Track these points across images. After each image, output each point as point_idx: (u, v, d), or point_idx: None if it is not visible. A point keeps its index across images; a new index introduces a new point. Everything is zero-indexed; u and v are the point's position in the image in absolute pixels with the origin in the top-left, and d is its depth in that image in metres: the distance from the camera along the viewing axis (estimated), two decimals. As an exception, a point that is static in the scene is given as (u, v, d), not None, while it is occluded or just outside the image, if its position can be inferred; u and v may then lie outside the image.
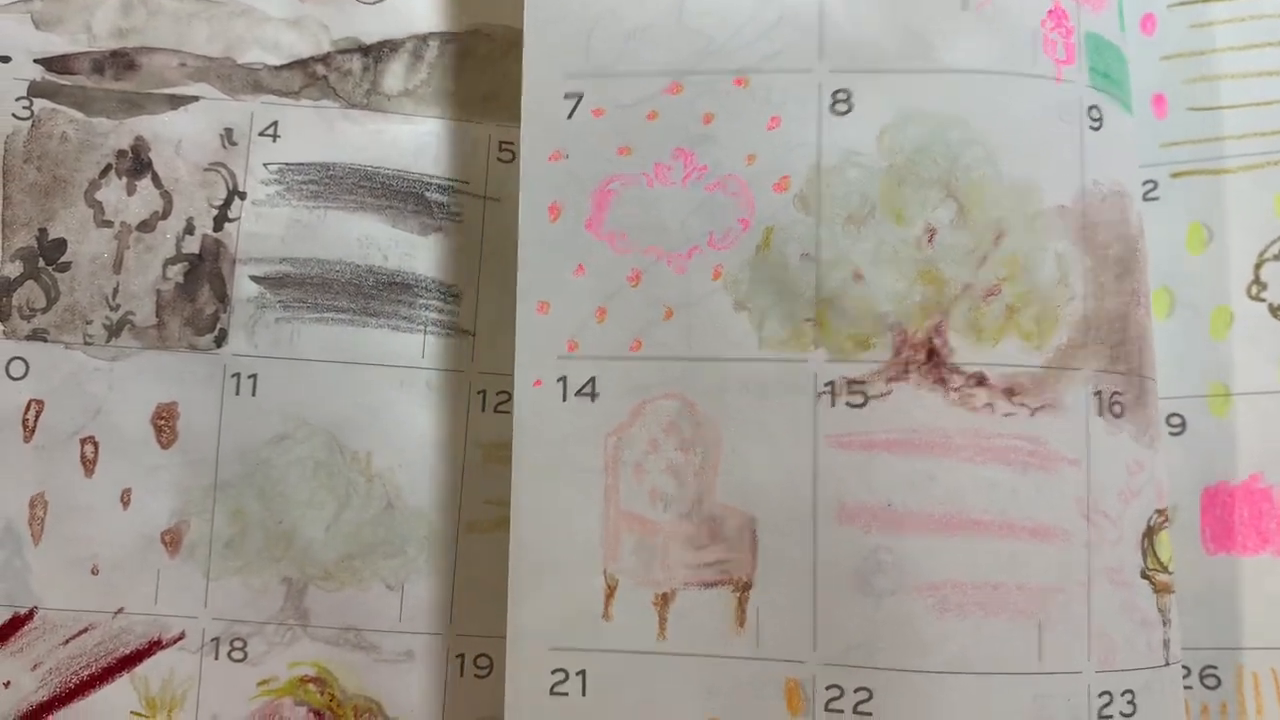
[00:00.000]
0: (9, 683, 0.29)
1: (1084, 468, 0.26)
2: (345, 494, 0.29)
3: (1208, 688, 0.29)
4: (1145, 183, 0.30)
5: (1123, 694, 0.25)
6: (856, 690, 0.25)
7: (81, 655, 0.29)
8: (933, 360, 0.26)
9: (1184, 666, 0.29)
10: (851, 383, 0.26)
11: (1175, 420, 0.30)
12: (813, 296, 0.26)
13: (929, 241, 0.26)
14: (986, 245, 0.26)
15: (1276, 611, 0.29)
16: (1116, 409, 0.26)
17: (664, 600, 0.27)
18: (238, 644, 0.29)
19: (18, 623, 0.29)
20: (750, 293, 0.27)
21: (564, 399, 0.27)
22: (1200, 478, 0.30)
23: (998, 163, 0.26)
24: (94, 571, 0.29)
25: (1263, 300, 0.30)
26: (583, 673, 0.27)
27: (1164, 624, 0.26)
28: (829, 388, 0.26)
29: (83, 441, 0.30)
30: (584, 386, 0.27)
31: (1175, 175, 0.31)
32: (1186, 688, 0.29)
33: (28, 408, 0.30)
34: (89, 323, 0.30)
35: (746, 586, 0.26)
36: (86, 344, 0.30)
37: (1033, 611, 0.25)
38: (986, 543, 0.25)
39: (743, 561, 0.26)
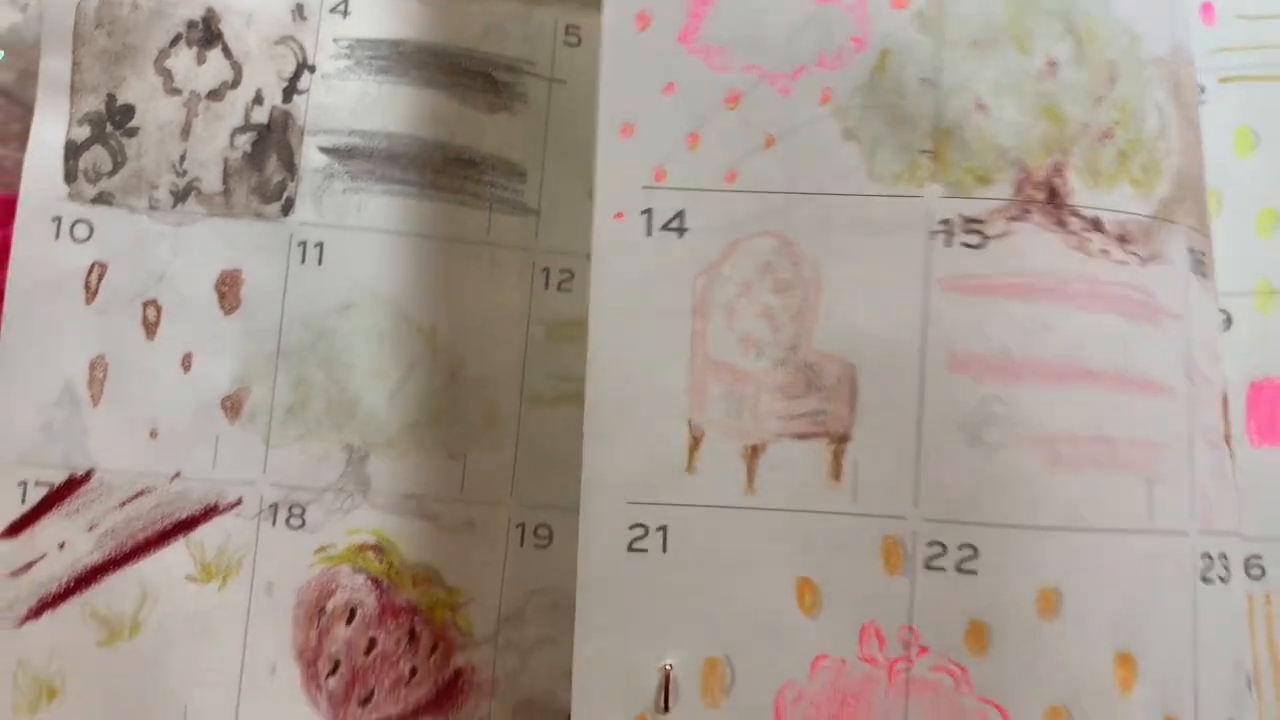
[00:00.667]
0: (64, 544, 0.28)
1: (1186, 324, 0.25)
2: (410, 364, 0.29)
3: (1252, 578, 0.29)
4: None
5: (1220, 557, 0.25)
6: (960, 547, 0.24)
7: (138, 518, 0.28)
8: (1054, 200, 0.24)
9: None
10: (969, 221, 0.24)
11: (1222, 316, 0.30)
12: (930, 126, 0.24)
13: (1050, 75, 0.24)
14: (1101, 86, 0.24)
15: None
16: (1204, 268, 0.25)
17: (753, 453, 0.25)
18: (296, 511, 0.28)
19: (74, 484, 0.28)
20: (861, 120, 0.24)
21: (649, 234, 0.25)
22: (1246, 373, 0.30)
23: (1109, 4, 0.25)
24: (153, 435, 0.29)
25: None
26: (664, 528, 0.25)
27: (1237, 490, 0.26)
28: (945, 226, 0.24)
29: (145, 305, 0.29)
30: (671, 220, 0.25)
31: (1223, 80, 0.30)
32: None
33: (91, 270, 0.29)
34: (155, 188, 0.29)
35: (843, 439, 0.24)
36: (152, 209, 0.29)
37: (1143, 468, 0.24)
38: (1101, 394, 0.24)
39: (840, 412, 0.24)
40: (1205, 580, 0.25)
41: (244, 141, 0.29)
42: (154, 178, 0.29)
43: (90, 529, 0.28)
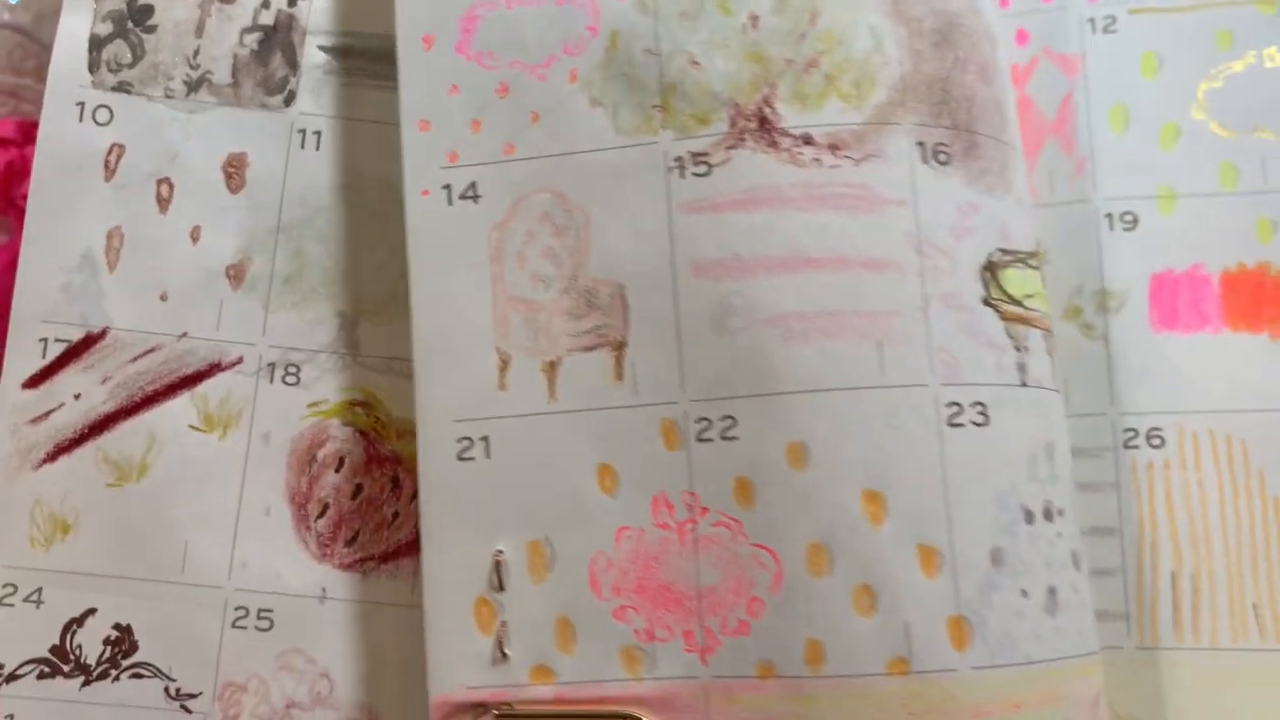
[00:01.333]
0: (80, 395, 0.32)
1: (912, 207, 0.29)
2: (398, 240, 0.31)
3: (1153, 447, 0.32)
4: (1105, 17, 0.34)
5: (973, 405, 0.28)
6: (722, 419, 0.28)
7: (148, 372, 0.32)
8: (764, 127, 0.29)
9: (1131, 429, 0.32)
10: (696, 156, 0.29)
11: (1129, 217, 0.34)
12: (657, 86, 0.30)
13: (754, 27, 0.29)
14: (804, 25, 0.29)
15: (1212, 381, 0.33)
16: (942, 157, 0.29)
17: (551, 367, 0.30)
18: (292, 369, 0.32)
19: (91, 340, 0.32)
20: (603, 90, 0.30)
21: (450, 204, 0.30)
22: (1149, 266, 0.33)
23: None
24: (163, 298, 0.32)
25: (1204, 117, 0.34)
26: (485, 438, 0.30)
27: (1018, 350, 0.29)
28: (678, 163, 0.29)
29: (159, 182, 0.32)
30: (466, 190, 0.30)
31: (1133, 12, 0.35)
32: (1134, 447, 0.32)
33: (110, 150, 0.32)
34: (170, 79, 0.33)
35: (621, 345, 0.29)
36: (167, 97, 0.33)
37: (871, 333, 0.28)
38: (823, 277, 0.28)
39: (617, 325, 0.29)
40: (954, 425, 0.28)
41: (252, 40, 0.33)
42: (169, 70, 0.33)
43: (104, 381, 0.32)
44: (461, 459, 0.30)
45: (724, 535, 0.28)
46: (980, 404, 0.28)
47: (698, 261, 0.29)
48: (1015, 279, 0.30)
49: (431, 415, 0.30)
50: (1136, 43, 0.34)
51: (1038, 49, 0.35)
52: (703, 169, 0.29)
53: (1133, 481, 0.32)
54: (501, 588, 0.29)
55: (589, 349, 0.29)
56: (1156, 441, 0.33)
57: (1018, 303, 0.30)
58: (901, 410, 0.28)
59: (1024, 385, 0.29)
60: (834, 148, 0.29)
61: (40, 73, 0.34)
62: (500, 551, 0.29)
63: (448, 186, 0.30)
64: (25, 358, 0.32)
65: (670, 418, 0.29)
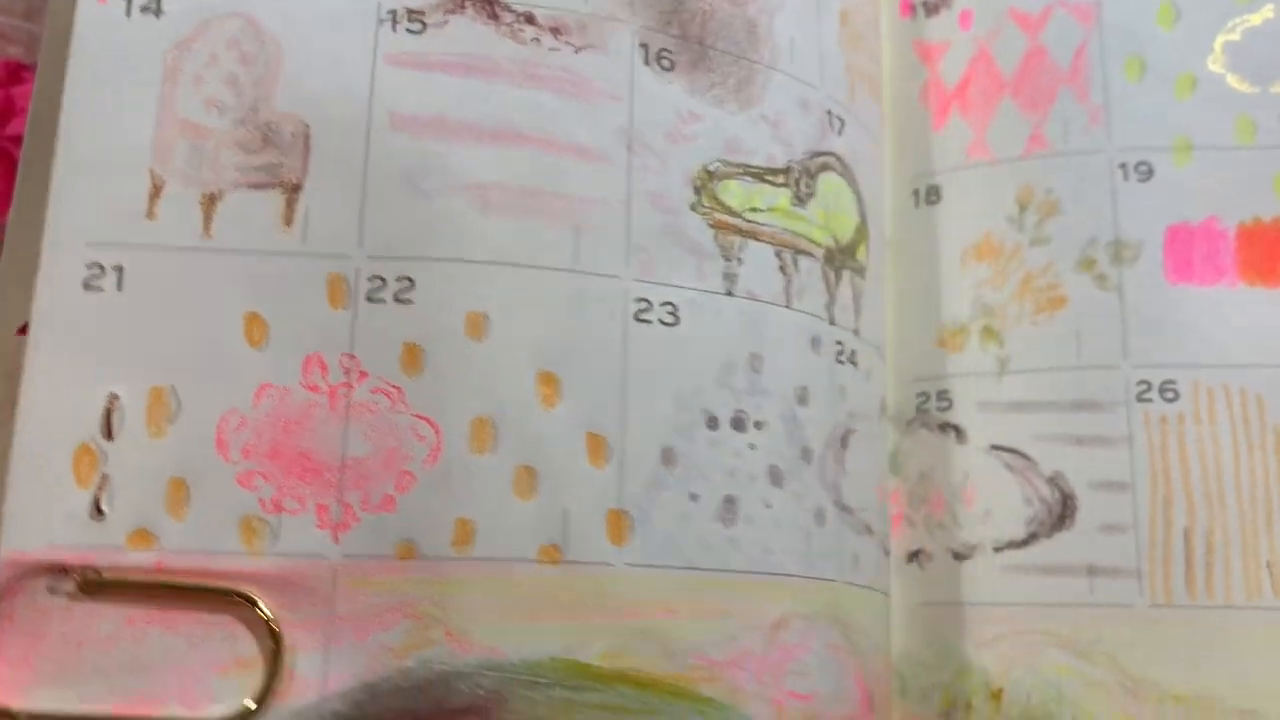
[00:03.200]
0: None
1: (628, 105, 0.28)
2: None
3: (1167, 400, 0.32)
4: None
5: (663, 304, 0.27)
6: (399, 280, 0.26)
7: None
8: (487, -2, 0.28)
9: (1145, 381, 0.32)
10: (411, 12, 0.27)
11: (1143, 167, 0.33)
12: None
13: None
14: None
15: (1227, 334, 0.32)
16: (665, 63, 0.29)
17: (211, 200, 0.26)
18: None
19: None
20: (322, -73, 0.28)
21: (128, 15, 0.27)
22: (1164, 218, 0.33)
23: None
24: None
25: (1221, 70, 0.33)
26: (120, 268, 0.25)
27: (728, 260, 0.28)
28: (390, 15, 0.27)
29: None
30: (149, 4, 0.27)
31: None
32: (1147, 400, 0.32)
33: None
34: None
35: (296, 188, 0.26)
36: None
37: (570, 217, 0.27)
38: (529, 153, 0.27)
39: (294, 165, 0.26)
40: (641, 320, 0.27)
41: None
42: None
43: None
44: (88, 288, 0.25)
45: (382, 403, 0.25)
46: (671, 304, 0.27)
47: (398, 114, 0.26)
48: (737, 191, 0.29)
49: (60, 235, 0.25)
50: None
51: (1051, -1, 0.35)
52: (417, 26, 0.27)
53: (1145, 436, 0.32)
54: (110, 436, 0.25)
55: (258, 186, 0.26)
56: (1170, 395, 0.32)
57: (735, 214, 0.29)
58: (588, 297, 0.26)
59: (729, 295, 0.28)
60: (556, 31, 0.28)
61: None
62: (116, 395, 0.25)
63: (128, -4, 0.27)
64: None
65: (340, 272, 0.26)
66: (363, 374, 0.25)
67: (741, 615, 0.26)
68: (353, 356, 0.25)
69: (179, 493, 0.24)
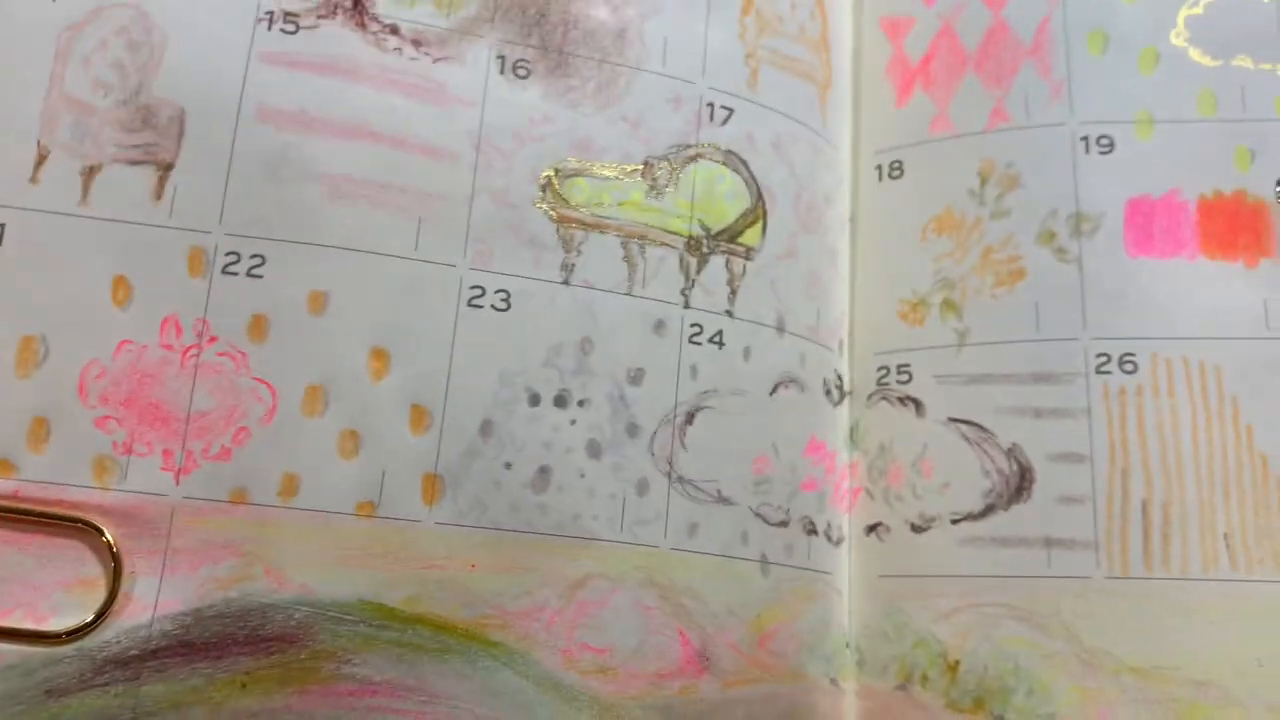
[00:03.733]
0: None
1: (478, 109, 0.31)
2: None
3: (1126, 372, 0.32)
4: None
5: (497, 291, 0.30)
6: (252, 256, 0.29)
7: None
8: (357, 8, 0.31)
9: (1104, 354, 0.32)
10: (287, 14, 0.30)
11: (1105, 140, 0.33)
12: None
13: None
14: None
15: (1187, 307, 0.32)
16: (521, 72, 0.32)
17: (90, 172, 0.29)
18: None
19: None
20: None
21: (23, -2, 0.30)
22: (1125, 191, 0.33)
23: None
24: None
25: (1184, 44, 0.34)
26: (3, 226, 0.28)
27: (567, 251, 0.31)
28: (268, 15, 0.30)
29: None
30: (43, -8, 0.30)
31: None
32: (1106, 372, 0.32)
33: None
34: None
35: (168, 167, 0.29)
36: None
37: (414, 209, 0.30)
38: (380, 150, 0.30)
39: (168, 146, 0.29)
40: (473, 305, 0.30)
41: None
42: None
43: None
44: (-31, 244, 0.28)
45: (227, 365, 0.28)
46: (505, 292, 0.30)
47: (265, 107, 0.29)
48: (585, 187, 0.32)
49: (-53, 192, 0.28)
50: None
51: (1014, -27, 0.35)
52: (291, 27, 0.30)
53: (1104, 408, 0.32)
54: (-24, 374, 0.28)
55: (134, 163, 0.29)
56: (1129, 367, 0.32)
57: (580, 209, 0.31)
58: (425, 283, 0.30)
59: (565, 284, 0.31)
60: (417, 43, 0.31)
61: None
62: (-13, 339, 0.28)
63: (27, -20, 0.30)
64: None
65: (200, 246, 0.29)
66: (213, 338, 0.28)
67: (542, 573, 0.29)
68: (205, 322, 0.28)
69: (40, 430, 0.27)
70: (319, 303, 0.29)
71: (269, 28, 0.30)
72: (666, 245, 0.32)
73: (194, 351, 0.28)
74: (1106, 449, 0.32)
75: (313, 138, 0.30)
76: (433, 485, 0.29)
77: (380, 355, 0.29)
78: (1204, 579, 0.31)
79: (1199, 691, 0.30)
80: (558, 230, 0.31)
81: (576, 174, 0.32)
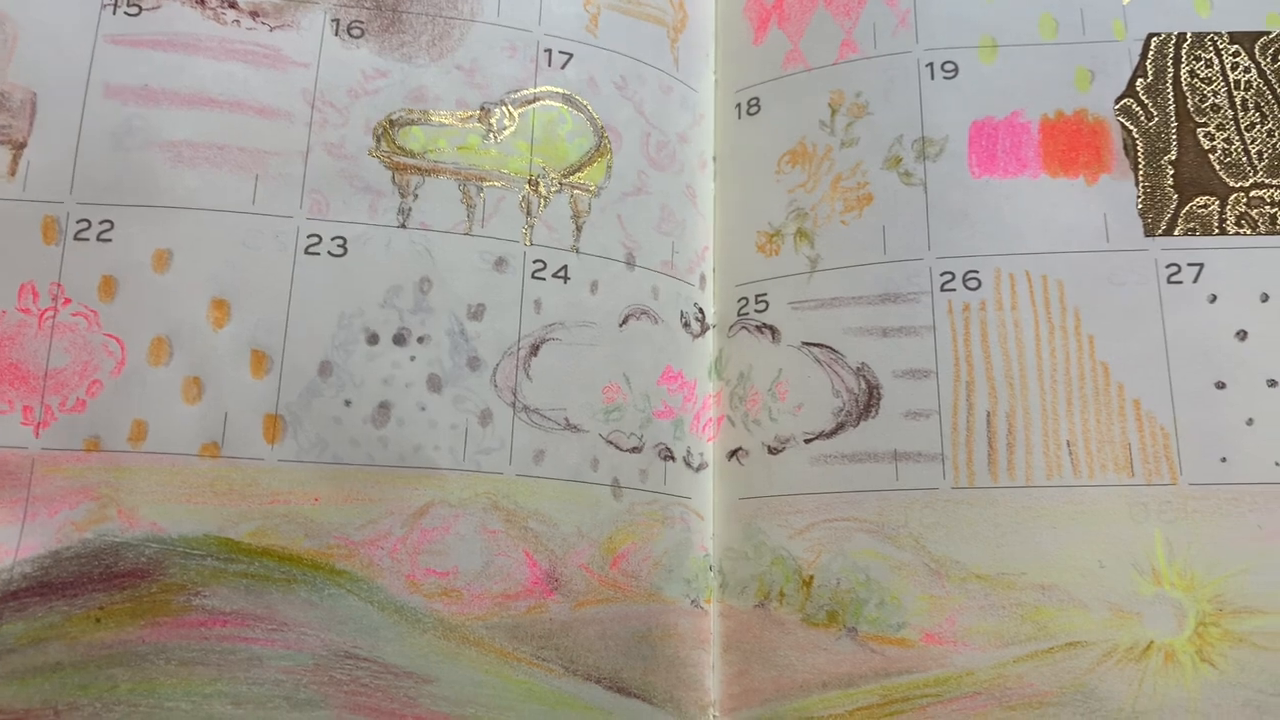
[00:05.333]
0: None
1: (313, 70, 0.32)
2: None
3: (969, 289, 0.33)
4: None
5: (334, 238, 0.31)
6: (101, 222, 0.31)
7: None
8: (196, -14, 0.33)
9: (949, 272, 0.33)
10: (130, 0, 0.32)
11: (949, 66, 0.34)
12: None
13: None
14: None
15: (1029, 224, 0.33)
16: (355, 32, 0.33)
17: (-48, 157, 0.31)
18: None
19: None
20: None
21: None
22: (969, 114, 0.34)
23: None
24: None
25: None
26: None
27: (403, 196, 0.32)
28: (113, 1, 0.32)
29: None
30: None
31: None
32: (950, 290, 0.33)
33: None
34: None
35: (22, 145, 0.31)
36: None
37: (251, 167, 0.31)
38: (219, 116, 0.31)
39: (21, 127, 0.31)
40: (310, 253, 0.31)
41: None
42: None
43: None
44: None
45: (81, 324, 0.30)
46: (341, 238, 0.32)
47: (110, 84, 0.31)
48: (418, 135, 0.33)
49: None
50: None
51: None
52: (134, 10, 0.32)
53: (949, 323, 0.32)
54: None
55: (-8, 146, 0.31)
56: (973, 284, 0.33)
57: (415, 155, 0.32)
58: (263, 235, 0.31)
59: (402, 227, 0.32)
60: (254, 14, 0.32)
61: None
62: None
63: (-113, -17, 0.32)
64: None
65: (53, 215, 0.31)
66: (67, 300, 0.30)
67: (385, 503, 0.30)
68: (59, 285, 0.30)
69: (-90, 396, 0.30)
70: (163, 260, 0.30)
71: (114, 12, 0.32)
72: (505, 186, 0.33)
73: (50, 314, 0.30)
74: (951, 364, 0.32)
75: (156, 109, 0.31)
76: (274, 425, 0.30)
77: (220, 305, 0.30)
78: (1047, 486, 0.31)
79: (1044, 595, 0.31)
80: (393, 177, 0.32)
81: (411, 123, 0.33)
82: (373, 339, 0.31)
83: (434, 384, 0.31)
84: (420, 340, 0.31)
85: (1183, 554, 0.30)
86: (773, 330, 0.34)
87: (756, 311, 0.35)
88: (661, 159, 0.35)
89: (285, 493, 0.30)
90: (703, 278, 0.36)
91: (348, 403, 0.31)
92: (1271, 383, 0.31)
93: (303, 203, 0.32)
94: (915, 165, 0.34)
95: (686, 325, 0.35)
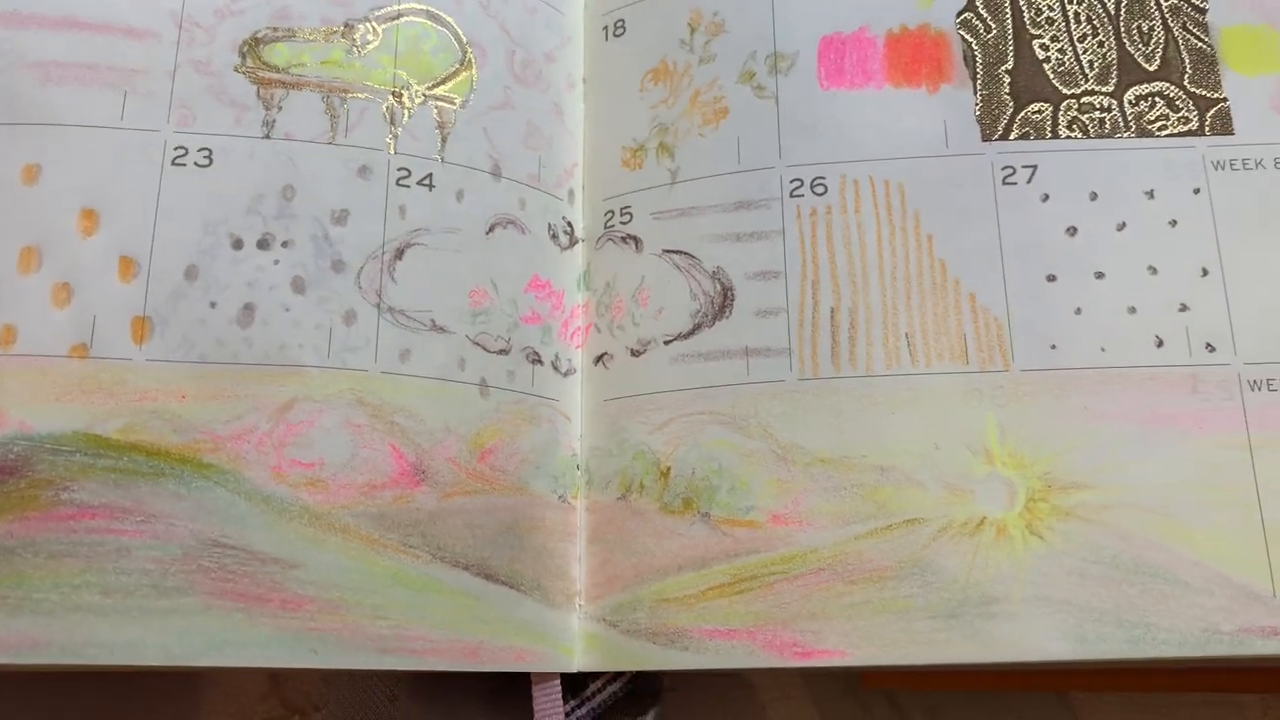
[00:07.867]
0: None
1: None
2: None
3: (817, 194, 0.34)
4: None
5: (200, 150, 0.32)
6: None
7: None
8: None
9: (797, 179, 0.34)
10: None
11: None
12: None
13: None
14: None
15: (874, 132, 0.35)
16: None
17: None
18: None
19: None
20: None
21: None
22: (819, 29, 0.36)
23: None
24: None
25: None
26: None
27: (268, 109, 0.33)
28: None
29: None
30: None
31: None
32: (799, 196, 0.34)
33: None
34: None
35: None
36: None
37: (119, 84, 0.32)
38: (87, 37, 0.32)
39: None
40: (177, 164, 0.32)
41: None
42: None
43: None
44: None
45: (-45, 243, 0.31)
46: (207, 149, 0.32)
47: (-18, 9, 0.32)
48: (283, 51, 0.34)
49: None
50: None
51: None
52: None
53: (797, 227, 0.34)
54: None
55: None
56: (820, 189, 0.34)
57: (280, 70, 0.33)
58: (130, 148, 0.32)
59: (267, 138, 0.33)
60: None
61: None
62: None
63: None
64: None
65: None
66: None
67: (250, 399, 0.31)
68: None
69: None
70: (31, 174, 0.31)
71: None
72: (369, 98, 0.34)
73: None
74: (799, 264, 0.34)
75: (24, 31, 0.32)
76: (141, 326, 0.31)
77: (90, 215, 0.31)
78: (886, 375, 0.33)
79: (883, 475, 0.32)
80: (258, 91, 0.33)
81: (276, 40, 0.34)
82: (237, 244, 0.32)
83: (298, 286, 0.32)
84: (284, 245, 0.32)
85: (1014, 435, 0.32)
86: (636, 240, 0.36)
87: (621, 223, 0.36)
88: (528, 76, 0.36)
89: (153, 390, 0.30)
90: (571, 193, 0.37)
91: (213, 304, 0.31)
92: (1099, 275, 0.33)
93: (170, 117, 0.32)
94: (768, 79, 0.35)
95: (554, 237, 0.36)
